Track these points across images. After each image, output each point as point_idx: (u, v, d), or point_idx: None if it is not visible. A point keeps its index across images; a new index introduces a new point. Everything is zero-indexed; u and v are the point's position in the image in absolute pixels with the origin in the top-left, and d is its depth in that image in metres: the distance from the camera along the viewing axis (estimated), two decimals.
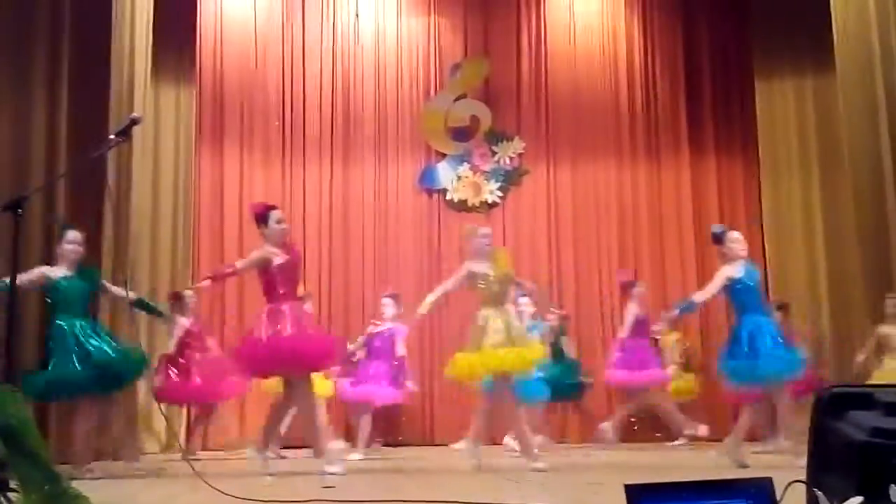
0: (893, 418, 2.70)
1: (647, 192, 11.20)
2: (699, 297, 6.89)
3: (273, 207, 6.45)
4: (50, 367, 5.99)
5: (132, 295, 6.66)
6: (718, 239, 6.73)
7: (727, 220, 11.17)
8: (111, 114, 7.65)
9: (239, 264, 6.55)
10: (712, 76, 11.43)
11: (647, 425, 9.97)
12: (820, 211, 9.84)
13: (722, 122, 11.36)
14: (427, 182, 11.07)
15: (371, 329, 8.25)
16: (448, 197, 11.04)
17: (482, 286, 6.39)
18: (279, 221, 6.30)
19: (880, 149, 8.38)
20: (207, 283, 6.66)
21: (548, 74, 11.32)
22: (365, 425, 8.05)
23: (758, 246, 10.79)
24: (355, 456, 7.50)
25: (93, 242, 7.48)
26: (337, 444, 6.30)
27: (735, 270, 6.54)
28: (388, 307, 8.37)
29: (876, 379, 8.15)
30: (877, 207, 8.36)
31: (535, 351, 6.60)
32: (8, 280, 5.81)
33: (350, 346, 8.46)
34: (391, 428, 9.77)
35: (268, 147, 10.76)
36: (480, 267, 6.44)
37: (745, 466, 5.90)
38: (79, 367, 5.94)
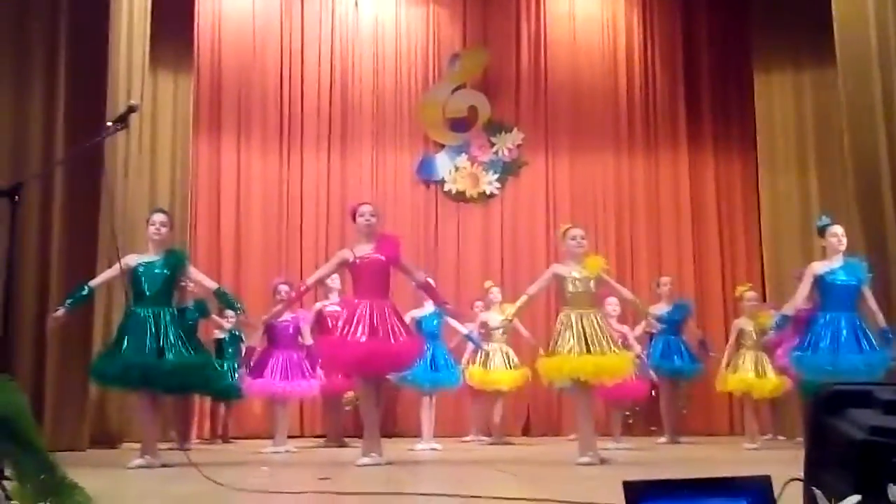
0: (892, 416, 2.70)
1: (645, 185, 11.20)
2: (789, 308, 6.87)
3: (363, 203, 6.47)
4: (116, 355, 5.76)
5: (213, 284, 6.43)
6: (820, 232, 6.72)
7: (724, 214, 11.23)
8: (109, 102, 7.63)
9: (315, 276, 6.65)
10: (711, 69, 11.43)
11: (643, 419, 10.01)
12: (818, 205, 9.80)
13: (720, 115, 11.36)
14: (425, 173, 11.05)
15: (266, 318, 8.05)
16: (446, 188, 11.02)
17: (567, 289, 6.26)
18: (363, 215, 6.26)
19: (878, 144, 8.37)
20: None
21: (547, 65, 11.30)
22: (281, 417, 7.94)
23: (755, 241, 10.84)
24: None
25: (89, 232, 7.51)
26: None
27: (822, 266, 6.54)
28: (285, 294, 7.85)
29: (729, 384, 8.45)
30: (875, 202, 8.35)
31: (615, 359, 6.19)
32: (86, 290, 5.95)
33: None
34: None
35: (265, 136, 10.73)
36: (567, 269, 6.31)
37: None
38: (147, 361, 5.69)
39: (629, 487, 2.19)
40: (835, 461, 2.66)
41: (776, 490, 2.40)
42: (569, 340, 6.08)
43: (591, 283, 6.28)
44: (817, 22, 8.97)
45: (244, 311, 6.69)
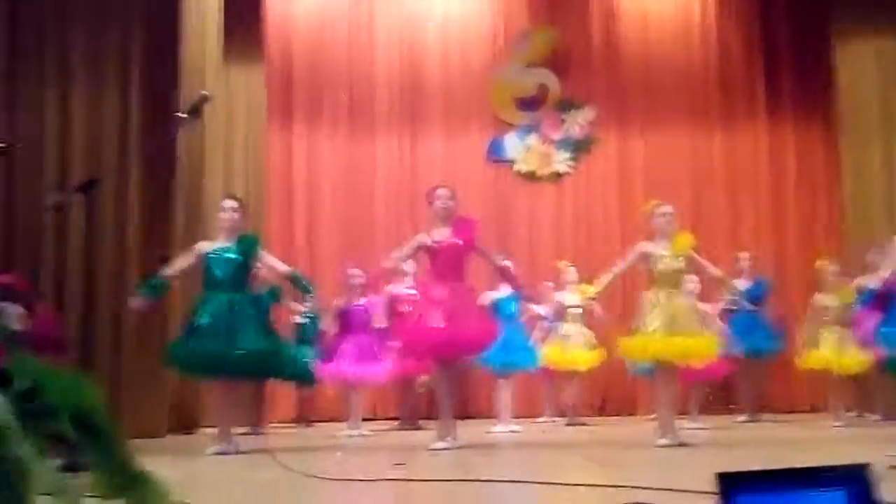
0: None
1: (723, 160, 10.93)
2: (874, 280, 6.66)
3: (440, 186, 6.38)
4: (191, 341, 5.77)
5: (287, 268, 6.43)
6: None
7: (805, 188, 10.91)
8: (182, 95, 7.67)
9: (391, 261, 6.60)
10: (789, 39, 11.05)
11: (722, 397, 9.82)
12: None
13: (799, 86, 10.98)
14: (495, 153, 10.94)
15: (338, 302, 7.91)
16: (517, 168, 10.90)
17: (656, 267, 6.11)
18: (440, 199, 6.20)
19: None
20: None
21: (618, 40, 11.05)
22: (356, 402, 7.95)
23: (836, 215, 10.51)
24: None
25: (165, 224, 7.60)
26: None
27: None
28: (358, 279, 7.98)
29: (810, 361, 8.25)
30: None
31: (703, 341, 6.09)
32: (160, 280, 6.01)
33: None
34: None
35: (336, 122, 10.72)
36: (655, 247, 6.16)
37: None
38: (222, 348, 5.67)
39: (722, 479, 2.09)
40: None
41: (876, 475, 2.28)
42: (655, 319, 5.94)
43: (680, 262, 6.12)
44: None
45: (316, 296, 6.67)
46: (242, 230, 6.20)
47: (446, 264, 6.09)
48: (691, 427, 7.46)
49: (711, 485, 2.17)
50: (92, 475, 2.60)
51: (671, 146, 10.94)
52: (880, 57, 9.94)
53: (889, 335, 6.45)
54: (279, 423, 9.32)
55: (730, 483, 2.13)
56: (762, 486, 2.14)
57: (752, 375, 9.10)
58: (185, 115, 4.49)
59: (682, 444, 5.78)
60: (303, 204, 10.50)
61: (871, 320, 7.38)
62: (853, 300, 7.89)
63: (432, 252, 6.15)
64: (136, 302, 5.96)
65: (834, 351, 8.15)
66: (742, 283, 8.79)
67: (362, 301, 7.75)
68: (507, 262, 7.17)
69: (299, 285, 6.42)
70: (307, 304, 8.45)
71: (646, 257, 6.15)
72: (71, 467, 2.30)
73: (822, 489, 2.18)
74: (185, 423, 7.93)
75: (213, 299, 5.86)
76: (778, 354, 9.14)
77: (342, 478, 3.94)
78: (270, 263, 6.40)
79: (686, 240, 6.19)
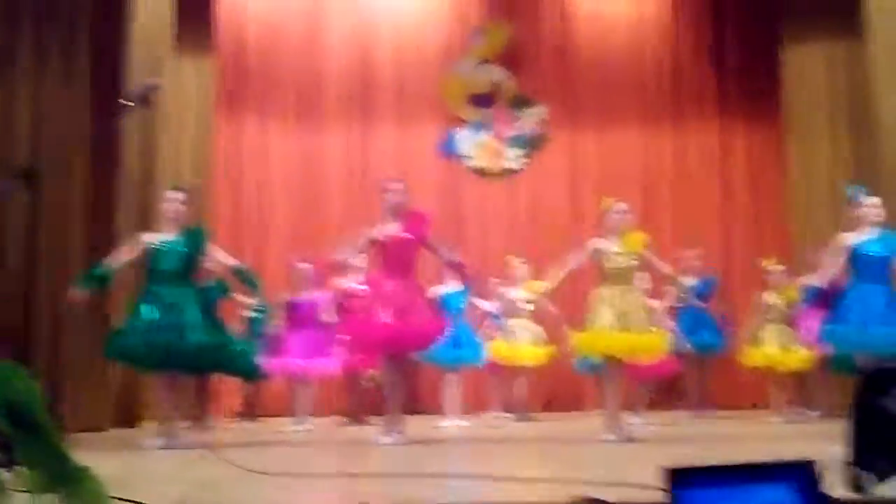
0: None
1: (673, 159, 11.05)
2: (818, 279, 6.71)
3: (392, 179, 6.37)
4: (135, 333, 5.62)
5: (234, 262, 6.32)
6: (852, 202, 6.51)
7: (753, 186, 11.05)
8: (132, 83, 7.52)
9: (341, 254, 6.46)
10: (739, 39, 11.20)
11: (666, 394, 9.90)
12: (847, 178, 9.60)
13: (749, 86, 11.14)
14: (448, 149, 10.93)
15: (285, 296, 7.85)
16: (469, 164, 10.89)
17: (607, 264, 6.12)
18: (392, 192, 6.14)
19: None
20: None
21: (572, 39, 11.12)
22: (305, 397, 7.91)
23: (783, 213, 10.66)
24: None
25: (110, 213, 7.45)
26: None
27: (854, 237, 6.35)
28: (306, 272, 7.95)
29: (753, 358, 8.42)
30: None
31: (652, 338, 6.13)
32: (102, 270, 5.85)
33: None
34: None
35: (287, 114, 10.65)
36: (607, 244, 6.18)
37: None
38: (168, 341, 5.57)
39: (669, 474, 2.08)
40: (881, 441, 2.56)
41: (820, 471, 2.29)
42: (605, 315, 5.97)
43: (632, 260, 6.15)
44: None
45: (262, 292, 6.59)
46: (188, 222, 6.09)
47: (396, 259, 6.05)
48: (639, 423, 7.50)
49: (658, 479, 2.17)
50: (26, 470, 2.53)
51: (622, 145, 11.03)
52: (828, 60, 10.08)
53: (832, 333, 6.53)
54: (224, 417, 9.21)
55: (677, 478, 2.13)
56: (709, 481, 2.15)
57: (698, 372, 9.19)
58: (133, 104, 4.38)
59: (628, 440, 5.82)
60: (252, 196, 10.41)
61: (815, 318, 7.49)
62: (797, 298, 8.00)
63: (382, 246, 6.10)
64: (76, 294, 5.82)
65: (777, 348, 8.28)
66: (689, 281, 8.86)
67: (310, 295, 7.68)
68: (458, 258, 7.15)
69: (246, 280, 6.32)
70: (254, 299, 8.37)
71: (598, 254, 6.17)
72: (4, 462, 2.22)
73: (768, 484, 2.19)
74: (129, 417, 7.78)
75: (157, 292, 5.74)
76: (723, 351, 9.24)
77: (286, 473, 3.89)
78: (217, 257, 6.29)
79: (638, 238, 6.22)
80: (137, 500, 2.61)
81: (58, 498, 2.41)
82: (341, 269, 7.69)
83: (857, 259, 6.35)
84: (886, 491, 2.53)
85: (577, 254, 6.43)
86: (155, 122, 8.15)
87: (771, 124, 10.95)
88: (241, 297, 8.36)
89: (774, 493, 2.18)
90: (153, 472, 4.45)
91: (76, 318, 6.98)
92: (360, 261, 7.93)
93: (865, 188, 6.68)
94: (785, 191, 10.60)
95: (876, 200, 6.45)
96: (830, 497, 2.31)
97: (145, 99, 4.42)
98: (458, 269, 6.75)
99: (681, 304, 9.02)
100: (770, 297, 8.46)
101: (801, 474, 2.24)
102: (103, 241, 7.22)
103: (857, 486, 2.58)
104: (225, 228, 9.97)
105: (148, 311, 5.65)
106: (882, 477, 2.54)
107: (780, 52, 10.43)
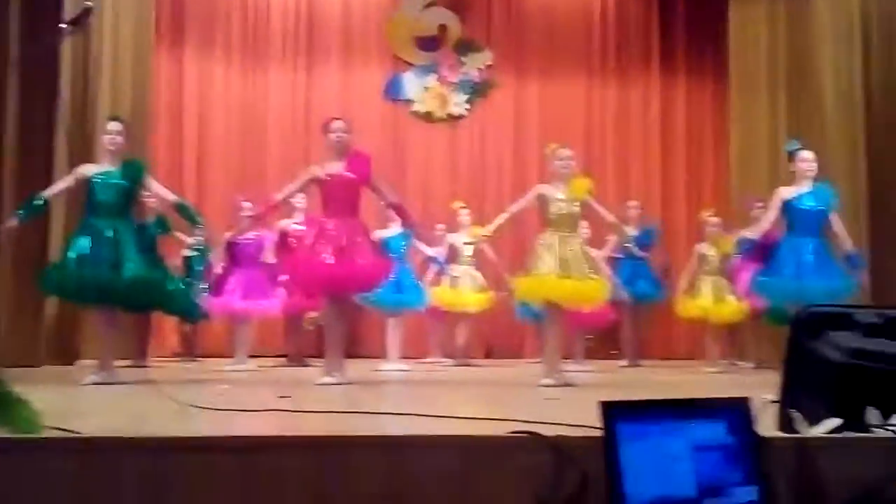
0: (873, 339, 2.65)
1: (616, 110, 11.10)
2: (754, 231, 6.80)
3: (336, 118, 6.26)
4: (70, 267, 5.51)
5: (174, 197, 6.19)
6: (790, 156, 6.62)
7: (694, 139, 11.16)
8: (66, 8, 7.30)
9: (283, 193, 6.39)
10: None
11: (604, 343, 10.06)
12: (787, 132, 9.74)
13: (693, 40, 11.22)
14: (392, 92, 10.83)
15: (228, 235, 7.80)
16: (414, 108, 10.82)
17: (551, 210, 6.09)
18: (335, 131, 6.05)
19: (851, 74, 8.32)
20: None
21: None
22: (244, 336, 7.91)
23: (723, 166, 10.78)
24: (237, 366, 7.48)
25: (45, 142, 7.27)
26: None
27: (790, 191, 6.45)
28: (248, 211, 7.83)
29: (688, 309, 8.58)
30: (845, 131, 8.33)
31: (593, 285, 6.11)
32: (40, 200, 5.69)
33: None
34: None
35: (229, 49, 10.46)
36: (552, 190, 6.14)
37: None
38: (104, 275, 5.47)
39: (606, 407, 2.11)
40: (814, 384, 2.62)
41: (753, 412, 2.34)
42: (547, 262, 5.97)
43: (576, 206, 6.15)
44: None
45: (203, 226, 6.51)
46: (127, 154, 5.97)
47: (338, 198, 5.99)
48: (575, 370, 7.60)
49: (595, 420, 2.20)
50: None
51: (566, 94, 11.04)
52: (771, 15, 10.13)
53: (766, 285, 6.67)
54: (163, 357, 9.14)
55: (614, 412, 2.16)
56: (645, 417, 2.18)
57: (635, 322, 9.33)
58: (67, 26, 4.24)
59: (566, 385, 5.89)
60: (193, 132, 10.25)
61: (749, 271, 7.63)
62: (732, 251, 8.14)
63: (324, 185, 6.04)
64: (10, 222, 5.70)
65: (711, 300, 8.42)
66: (630, 231, 8.95)
67: (252, 235, 7.61)
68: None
69: (186, 215, 6.20)
70: (195, 235, 8.26)
71: (542, 199, 6.17)
72: None
73: (703, 421, 2.23)
74: (66, 354, 7.67)
75: (95, 224, 5.63)
76: (660, 302, 9.38)
77: (226, 408, 3.87)
78: (157, 191, 6.18)
79: (583, 184, 6.23)
80: (72, 429, 2.58)
81: None
82: (283, 208, 7.63)
83: (791, 212, 6.48)
84: (816, 431, 2.59)
85: (520, 200, 6.44)
86: (91, 51, 7.93)
87: (714, 79, 11.04)
88: (180, 235, 8.28)
89: (709, 430, 2.23)
90: (88, 405, 4.40)
91: (12, 251, 6.85)
92: (301, 201, 7.88)
93: (802, 143, 6.79)
94: (725, 145, 10.70)
95: (810, 155, 6.56)
96: (763, 436, 2.37)
97: (79, 22, 4.29)
98: (399, 211, 6.70)
99: (620, 254, 9.13)
100: (705, 249, 8.59)
101: (735, 412, 2.29)
102: (39, 171, 7.07)
103: (789, 427, 2.65)
104: (165, 164, 9.83)
105: (85, 244, 5.54)
106: (813, 418, 2.60)
107: (725, 6, 10.46)
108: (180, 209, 6.14)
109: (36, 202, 5.78)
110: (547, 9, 11.05)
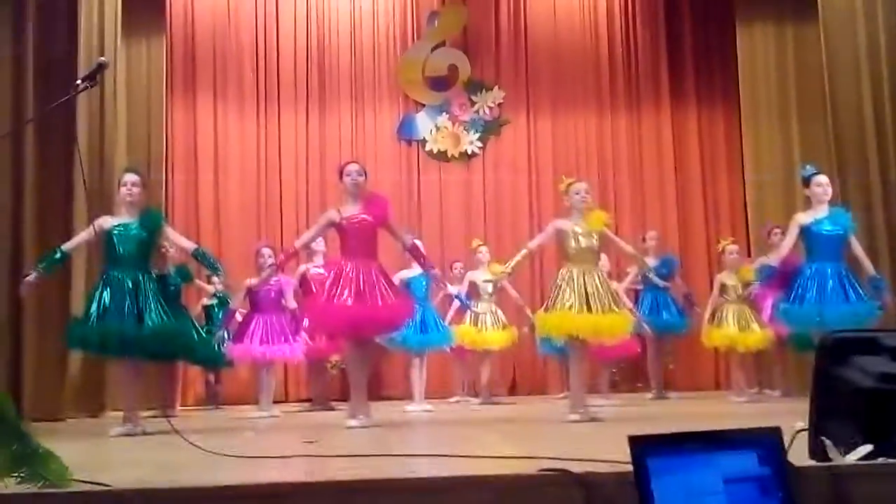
0: None
1: (628, 141, 11.09)
2: (773, 258, 6.78)
3: (351, 161, 6.31)
4: (93, 320, 5.52)
5: (193, 245, 6.20)
6: (805, 182, 6.61)
7: (708, 168, 11.15)
8: (80, 64, 7.42)
9: (302, 239, 6.41)
10: (693, 23, 11.26)
11: (629, 375, 10.01)
12: (800, 157, 9.74)
13: (703, 70, 11.23)
14: (405, 132, 10.90)
15: (250, 282, 7.76)
16: (427, 148, 10.88)
17: (570, 244, 6.10)
18: (350, 174, 6.09)
19: (862, 98, 8.34)
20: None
21: (527, 22, 11.13)
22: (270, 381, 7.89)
23: (738, 194, 10.77)
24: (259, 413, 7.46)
25: (64, 195, 7.35)
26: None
27: (807, 216, 6.44)
28: (269, 258, 7.74)
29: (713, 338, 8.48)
30: (858, 154, 8.32)
31: (616, 319, 6.05)
32: (59, 253, 5.75)
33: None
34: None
35: (242, 97, 10.55)
36: (569, 224, 6.14)
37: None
38: (126, 327, 5.49)
39: (635, 442, 2.10)
40: (843, 410, 2.59)
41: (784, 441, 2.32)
42: (569, 297, 5.95)
43: (594, 239, 6.15)
44: None
45: (224, 273, 6.53)
46: (144, 205, 6.02)
47: (357, 241, 6.01)
48: (603, 405, 7.56)
49: (624, 455, 2.18)
50: None
51: (578, 127, 11.08)
52: (780, 41, 10.18)
53: (788, 311, 6.62)
54: (188, 406, 9.15)
55: (643, 446, 2.15)
56: (675, 449, 2.16)
57: (659, 353, 9.27)
58: (80, 82, 4.30)
59: (592, 420, 5.85)
60: (208, 179, 10.31)
61: (771, 298, 7.59)
62: (753, 278, 8.09)
63: (342, 229, 6.06)
64: (30, 277, 5.74)
65: (736, 329, 8.34)
66: (650, 261, 8.93)
67: (272, 280, 7.65)
68: (417, 241, 7.14)
69: (206, 262, 6.21)
70: (215, 282, 8.31)
71: (560, 234, 6.17)
72: None
73: (734, 452, 2.21)
74: (90, 406, 7.69)
75: (115, 276, 5.66)
76: (684, 332, 9.32)
77: (253, 455, 3.87)
78: (175, 240, 6.22)
79: (600, 217, 6.23)
80: (100, 482, 2.58)
81: (19, 478, 2.38)
82: (304, 254, 7.65)
83: (809, 237, 6.45)
84: (849, 458, 2.56)
85: (538, 236, 6.45)
86: (106, 103, 8.04)
87: (725, 106, 11.05)
88: (200, 283, 8.32)
89: (740, 461, 2.21)
90: (115, 457, 4.41)
91: (35, 305, 6.90)
92: (320, 245, 7.91)
93: (816, 167, 6.78)
94: (740, 171, 10.70)
95: (825, 179, 6.54)
96: (795, 466, 2.35)
97: (94, 77, 4.34)
98: (415, 253, 6.72)
99: (641, 286, 9.11)
100: (726, 278, 8.54)
101: (766, 443, 2.27)
102: (59, 224, 7.14)
103: (822, 455, 2.62)
104: (181, 211, 9.94)
105: (107, 297, 5.57)
106: (845, 445, 2.58)
107: (734, 35, 10.50)
108: (200, 257, 6.14)
109: (56, 255, 5.82)
110: (554, 44, 11.11)
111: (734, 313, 8.38)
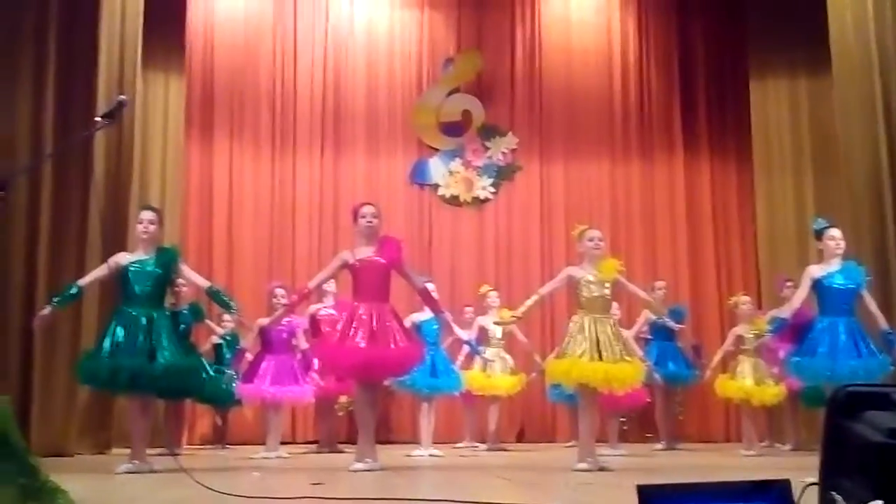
0: None
1: (641, 191, 11.13)
2: (785, 311, 6.78)
3: (365, 203, 6.33)
4: (105, 355, 5.54)
5: (207, 284, 6.17)
6: (817, 235, 6.62)
7: (720, 220, 11.17)
8: (99, 100, 7.51)
9: (316, 280, 6.42)
10: (707, 75, 11.38)
11: (638, 426, 9.96)
12: (813, 211, 9.76)
13: (716, 121, 11.31)
14: (419, 177, 10.97)
15: (262, 322, 7.71)
16: (440, 192, 10.94)
17: (582, 292, 6.08)
18: (364, 217, 6.12)
19: (878, 149, 8.32)
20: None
21: (542, 70, 11.23)
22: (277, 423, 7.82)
23: (750, 247, 10.77)
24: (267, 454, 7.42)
25: (79, 231, 7.40)
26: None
27: (820, 270, 6.44)
28: (283, 299, 7.76)
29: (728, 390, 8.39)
30: (873, 208, 8.31)
31: (627, 368, 6.00)
32: (74, 288, 5.78)
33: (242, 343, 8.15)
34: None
35: (258, 138, 10.65)
36: (582, 272, 6.13)
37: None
38: (138, 363, 5.51)
39: (644, 492, 2.09)
40: (853, 465, 2.57)
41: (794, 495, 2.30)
42: (580, 344, 5.92)
43: (607, 288, 6.13)
44: (814, 26, 8.93)
45: (238, 311, 6.53)
46: (160, 242, 6.06)
47: (369, 283, 6.02)
48: (612, 454, 7.50)
49: (633, 503, 2.17)
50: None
51: (591, 175, 11.13)
52: (793, 95, 10.25)
53: (800, 365, 6.59)
54: (194, 445, 9.13)
55: (651, 496, 2.14)
56: (684, 500, 2.15)
57: (668, 404, 9.22)
58: (101, 120, 4.35)
59: (601, 469, 5.81)
60: (222, 219, 10.39)
61: (782, 350, 7.56)
62: (766, 331, 8.05)
63: (355, 270, 6.08)
64: (45, 312, 5.76)
65: (753, 382, 8.27)
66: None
67: (284, 321, 7.67)
68: (430, 285, 7.14)
69: (219, 300, 6.19)
70: (226, 321, 8.32)
71: (572, 282, 6.16)
72: None
73: (744, 503, 2.20)
74: (97, 443, 7.68)
75: (129, 313, 5.68)
76: (692, 383, 9.28)
77: (260, 496, 3.86)
78: (190, 277, 6.20)
79: (613, 265, 6.21)
80: None
81: None
82: (314, 294, 7.66)
83: (821, 291, 6.44)
84: None
85: (550, 282, 6.45)
86: (124, 141, 8.12)
87: (738, 157, 11.12)
88: (210, 324, 8.34)
89: None
90: (122, 494, 4.40)
91: (46, 340, 6.92)
92: (331, 286, 7.92)
93: (829, 221, 6.79)
94: (751, 223, 10.71)
95: (838, 233, 6.55)
96: None
97: (113, 115, 4.40)
98: (426, 297, 6.67)
99: (649, 335, 9.10)
100: (742, 330, 8.50)
101: (775, 495, 2.26)
102: (73, 259, 7.18)
103: None
104: (195, 250, 9.99)
105: (120, 333, 5.59)
106: (855, 501, 2.55)
107: (747, 86, 10.58)
108: (214, 295, 6.13)
109: (72, 291, 5.84)
110: (569, 92, 11.20)
111: (751, 366, 8.31)
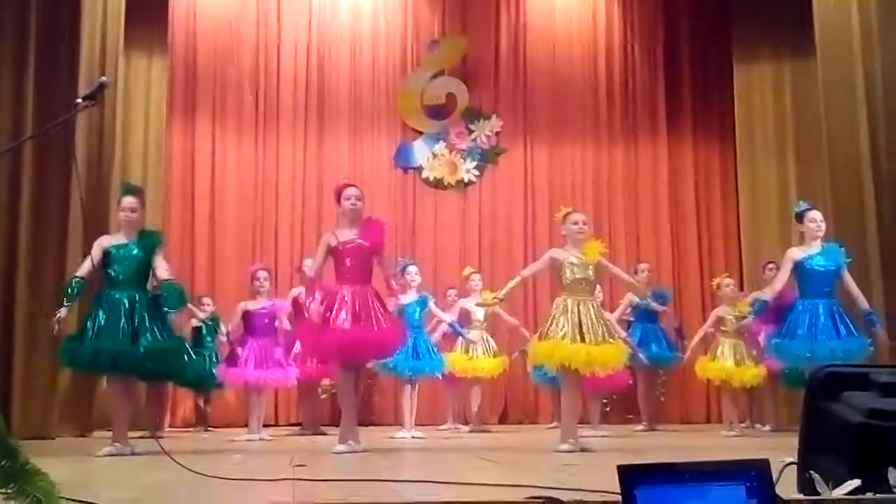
0: (890, 399, 2.64)
1: (624, 174, 11.16)
2: (767, 293, 6.80)
3: (348, 185, 6.25)
4: (87, 338, 5.51)
5: (166, 276, 5.87)
6: (798, 217, 6.67)
7: (703, 203, 11.21)
8: (81, 81, 7.45)
9: (313, 268, 6.26)
10: (691, 59, 11.38)
11: (620, 407, 10.01)
12: (795, 194, 9.80)
13: (700, 105, 11.33)
14: (402, 160, 10.94)
15: (244, 306, 7.69)
16: (423, 175, 10.92)
17: (565, 274, 6.06)
18: (348, 199, 6.06)
19: (858, 133, 8.36)
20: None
21: (526, 53, 11.21)
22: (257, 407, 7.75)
23: (733, 229, 10.82)
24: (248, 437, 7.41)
25: (59, 214, 7.35)
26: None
27: (800, 252, 6.48)
28: (266, 282, 7.78)
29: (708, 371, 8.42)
30: (853, 191, 8.35)
31: (610, 350, 6.01)
32: (79, 280, 5.70)
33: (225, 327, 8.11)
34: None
35: (241, 120, 10.59)
36: (565, 254, 6.11)
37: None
38: (120, 346, 5.48)
39: (625, 472, 2.10)
40: (832, 445, 2.60)
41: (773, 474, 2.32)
42: (563, 326, 5.92)
43: (590, 270, 6.13)
44: (797, 11, 8.96)
45: (180, 312, 6.50)
46: (142, 225, 6.02)
47: (352, 265, 6.00)
48: (593, 435, 7.54)
49: (613, 485, 2.18)
50: None
51: (575, 159, 11.14)
52: (777, 79, 10.27)
53: (780, 347, 6.63)
54: (175, 427, 9.11)
55: (633, 476, 2.16)
56: (664, 480, 2.17)
57: (650, 385, 9.27)
58: (81, 101, 4.32)
59: (583, 450, 5.84)
60: (205, 201, 10.33)
61: (764, 332, 7.61)
62: (748, 312, 8.09)
63: (338, 253, 6.05)
64: (62, 313, 5.65)
65: (733, 363, 8.31)
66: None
67: (267, 304, 7.64)
68: (412, 267, 7.09)
69: (167, 295, 5.84)
70: (208, 307, 8.35)
71: (556, 264, 6.16)
72: None
73: (723, 483, 2.21)
74: (79, 426, 7.67)
75: (112, 296, 5.65)
76: (674, 365, 9.33)
77: (241, 477, 3.86)
78: (157, 264, 5.91)
79: (596, 247, 6.20)
80: (88, 501, 2.58)
81: (7, 494, 2.37)
82: (295, 276, 7.64)
83: (802, 273, 6.49)
84: (837, 493, 2.56)
85: (533, 264, 6.45)
86: (106, 123, 8.06)
87: (721, 141, 11.15)
88: (192, 307, 8.31)
89: (729, 493, 2.21)
90: (104, 477, 4.39)
91: (25, 323, 6.88)
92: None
93: (810, 203, 6.82)
94: (734, 206, 10.76)
95: (818, 215, 6.59)
96: (783, 499, 2.35)
97: (94, 97, 4.36)
98: (388, 284, 6.40)
99: (632, 317, 9.14)
100: (723, 311, 8.54)
101: (755, 474, 2.27)
102: (53, 242, 7.13)
103: (810, 489, 2.62)
104: (177, 233, 9.94)
105: (102, 317, 5.56)
106: (833, 479, 2.58)
107: (731, 69, 10.60)
108: (164, 289, 5.86)
109: (77, 285, 5.72)
110: (553, 75, 11.19)
111: (731, 347, 8.35)
